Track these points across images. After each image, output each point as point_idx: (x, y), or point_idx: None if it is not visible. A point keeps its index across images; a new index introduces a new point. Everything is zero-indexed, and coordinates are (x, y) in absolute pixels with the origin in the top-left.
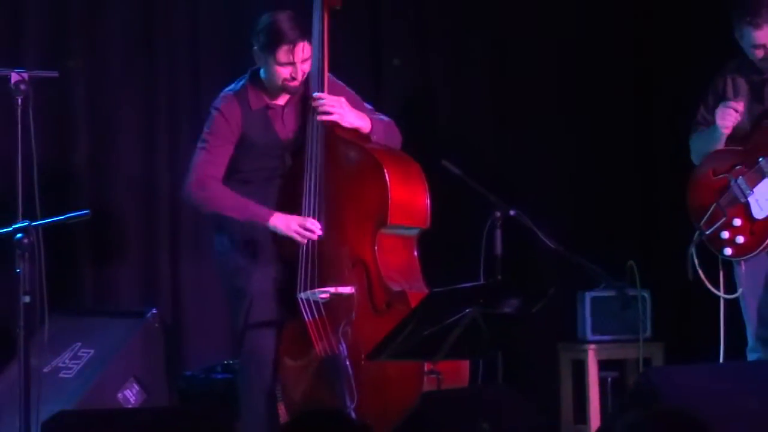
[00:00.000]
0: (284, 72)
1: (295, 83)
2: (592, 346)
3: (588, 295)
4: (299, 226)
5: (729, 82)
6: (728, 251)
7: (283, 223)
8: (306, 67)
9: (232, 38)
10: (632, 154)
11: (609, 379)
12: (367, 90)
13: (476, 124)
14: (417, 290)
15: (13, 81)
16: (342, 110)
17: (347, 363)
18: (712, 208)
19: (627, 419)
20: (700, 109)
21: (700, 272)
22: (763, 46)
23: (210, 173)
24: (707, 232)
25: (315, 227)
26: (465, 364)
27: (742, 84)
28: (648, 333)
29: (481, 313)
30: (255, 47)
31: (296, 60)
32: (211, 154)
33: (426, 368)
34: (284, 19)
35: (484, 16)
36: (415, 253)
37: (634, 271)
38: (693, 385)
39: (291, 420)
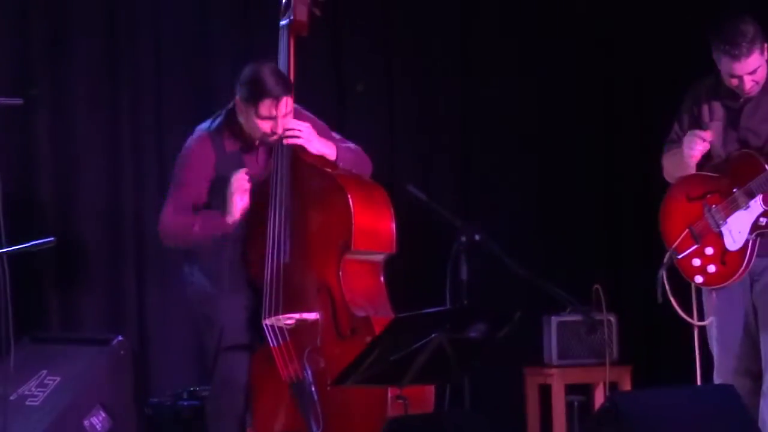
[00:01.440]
0: (265, 126)
1: (275, 137)
2: (558, 370)
3: (554, 319)
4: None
5: (705, 103)
6: (699, 279)
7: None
8: (287, 120)
9: (196, 68)
10: (598, 177)
11: (575, 403)
12: (330, 116)
13: (440, 149)
14: (383, 315)
15: None
16: (308, 135)
17: (312, 389)
18: (684, 233)
19: None
20: (675, 126)
21: (670, 297)
22: (740, 77)
23: (178, 219)
24: (679, 257)
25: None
26: (430, 389)
27: (718, 108)
28: (614, 357)
29: (447, 338)
30: (237, 97)
31: (278, 114)
32: (180, 198)
33: (392, 394)
34: (268, 73)
35: (447, 38)
36: (381, 279)
37: (600, 295)
38: (660, 408)
39: None
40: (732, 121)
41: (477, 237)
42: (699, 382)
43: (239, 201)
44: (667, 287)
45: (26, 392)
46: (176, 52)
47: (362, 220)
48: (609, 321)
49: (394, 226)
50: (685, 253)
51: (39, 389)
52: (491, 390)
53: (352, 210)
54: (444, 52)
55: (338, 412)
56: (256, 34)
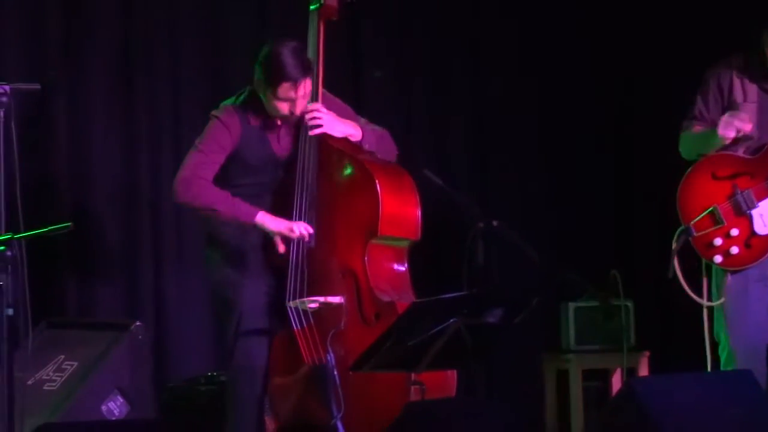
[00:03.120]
0: (283, 107)
1: (293, 117)
2: (576, 356)
3: (571, 306)
4: (288, 227)
5: (737, 82)
6: (718, 259)
7: (270, 220)
8: (306, 101)
9: (213, 47)
10: (615, 161)
11: (593, 389)
12: (346, 101)
13: (458, 133)
14: (406, 301)
15: None
16: (330, 122)
17: (335, 372)
18: (707, 211)
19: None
20: (698, 102)
21: (679, 275)
22: None
23: (199, 174)
24: (696, 234)
25: (306, 230)
26: (451, 375)
27: (752, 90)
28: (632, 342)
29: (465, 324)
30: (256, 75)
31: (297, 96)
32: (204, 157)
33: (411, 379)
34: (288, 54)
35: (464, 26)
36: (406, 265)
37: (617, 281)
38: (677, 394)
39: None
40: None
41: (494, 223)
42: (709, 365)
43: (274, 228)
44: (677, 265)
45: (44, 377)
46: (194, 37)
47: (389, 206)
48: (626, 307)
49: (419, 212)
50: (704, 232)
51: (57, 374)
52: (509, 376)
53: (380, 196)
54: (459, 35)
55: (359, 396)
56: (275, 18)
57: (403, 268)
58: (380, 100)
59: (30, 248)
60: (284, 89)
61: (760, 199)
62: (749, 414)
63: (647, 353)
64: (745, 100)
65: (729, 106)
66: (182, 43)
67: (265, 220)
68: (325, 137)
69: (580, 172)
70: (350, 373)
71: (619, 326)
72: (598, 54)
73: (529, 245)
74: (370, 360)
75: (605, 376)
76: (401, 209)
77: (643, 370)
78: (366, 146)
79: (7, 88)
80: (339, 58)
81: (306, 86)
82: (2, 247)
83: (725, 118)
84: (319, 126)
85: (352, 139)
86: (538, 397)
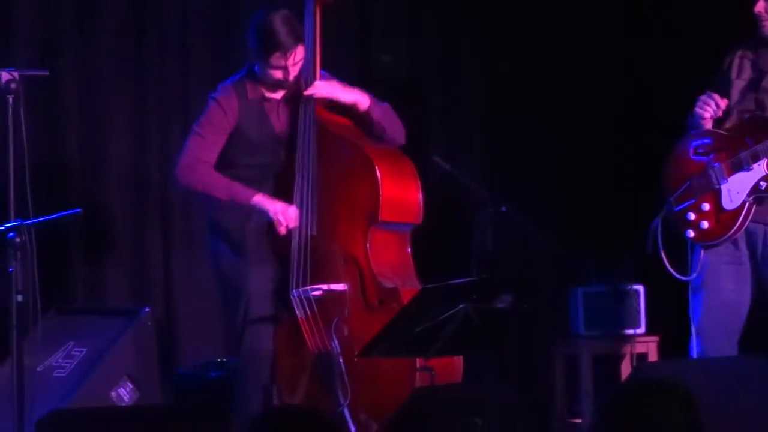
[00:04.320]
0: (276, 74)
1: (288, 83)
2: (586, 341)
3: (581, 291)
4: (277, 213)
5: (737, 60)
6: (691, 233)
7: (266, 202)
8: (298, 68)
9: (223, 32)
10: (624, 145)
11: (602, 375)
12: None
13: (466, 120)
14: (410, 287)
15: (3, 80)
16: (331, 89)
17: (340, 360)
18: (684, 186)
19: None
20: (712, 82)
21: (661, 250)
22: None
23: (200, 157)
24: (675, 209)
25: (292, 220)
26: (458, 361)
27: (747, 67)
28: (642, 328)
29: (474, 309)
30: (249, 45)
31: (288, 64)
32: (203, 140)
33: (418, 364)
34: (279, 23)
35: (474, 10)
36: (408, 250)
37: (627, 266)
38: (687, 379)
39: (262, 415)
40: (755, 82)
41: (503, 208)
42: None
43: (271, 216)
44: (659, 240)
45: (53, 364)
46: (204, 16)
47: (390, 192)
48: (636, 291)
49: (421, 196)
50: (682, 206)
51: (66, 361)
52: (518, 361)
53: (380, 182)
54: (470, 21)
55: (365, 383)
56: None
57: (406, 254)
58: (389, 83)
59: (39, 234)
60: (276, 58)
61: (728, 175)
62: (761, 399)
63: (657, 338)
64: (738, 77)
65: (723, 83)
66: (193, 25)
67: (262, 201)
68: (324, 122)
69: (591, 153)
70: (356, 360)
71: (629, 311)
72: (615, 37)
73: (538, 230)
74: (379, 345)
75: (615, 361)
76: (402, 194)
77: (654, 356)
78: (374, 115)
79: (16, 74)
80: (346, 41)
81: (298, 54)
82: (12, 234)
83: (701, 97)
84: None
85: (361, 107)
86: (548, 383)
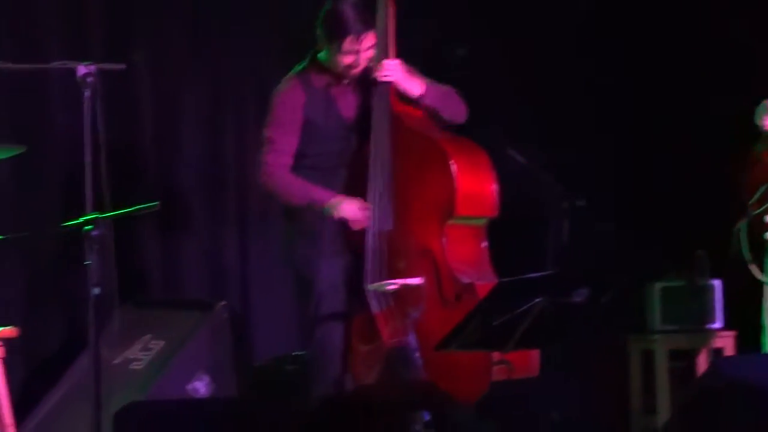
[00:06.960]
0: (347, 59)
1: (357, 70)
2: (662, 336)
3: (657, 285)
4: (354, 216)
5: None
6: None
7: (341, 207)
8: (369, 54)
9: (296, 19)
10: (701, 141)
11: (679, 370)
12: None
13: (540, 114)
14: (486, 281)
15: (80, 74)
16: (398, 73)
17: (416, 354)
18: (762, 190)
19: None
20: None
21: (744, 252)
22: None
23: (276, 162)
24: (753, 213)
25: (363, 218)
26: (535, 354)
27: None
28: (719, 322)
29: (551, 303)
30: (318, 32)
31: (360, 49)
32: (273, 145)
33: (495, 358)
34: (349, 9)
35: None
36: (484, 243)
37: (704, 260)
38: (764, 374)
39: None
40: None
41: (580, 202)
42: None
43: (347, 217)
44: (742, 243)
45: (130, 356)
46: (276, 3)
47: (465, 185)
48: (713, 286)
49: (496, 188)
50: (760, 210)
51: (143, 353)
52: (595, 356)
53: (455, 176)
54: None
55: (442, 377)
56: None
57: (482, 247)
58: (462, 77)
59: (116, 228)
60: (347, 43)
61: None
62: None
63: (734, 333)
64: None
65: None
66: (268, 20)
67: (335, 205)
68: (397, 114)
69: (671, 150)
70: (432, 353)
71: (706, 306)
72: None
73: (614, 224)
74: (456, 339)
75: (691, 356)
76: (478, 187)
77: (730, 351)
78: (427, 101)
79: (92, 68)
80: (420, 35)
81: (368, 39)
82: (89, 227)
83: (759, 108)
84: (388, 76)
85: (412, 93)
86: (624, 378)
